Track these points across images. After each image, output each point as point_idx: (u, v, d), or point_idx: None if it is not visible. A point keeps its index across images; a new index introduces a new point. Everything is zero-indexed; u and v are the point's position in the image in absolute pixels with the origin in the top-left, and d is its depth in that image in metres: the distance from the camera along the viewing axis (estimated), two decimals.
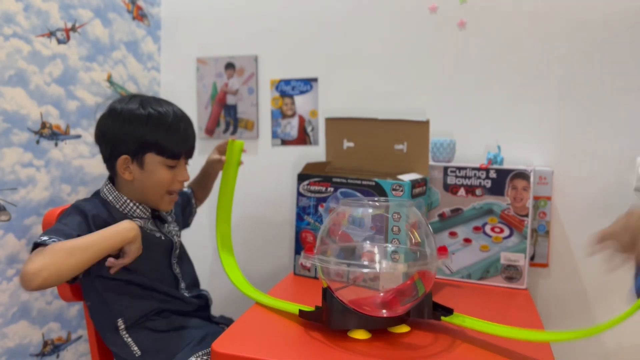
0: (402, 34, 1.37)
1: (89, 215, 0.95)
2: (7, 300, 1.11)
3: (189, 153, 1.07)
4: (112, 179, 1.06)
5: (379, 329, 0.82)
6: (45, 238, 0.86)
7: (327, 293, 0.81)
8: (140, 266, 0.98)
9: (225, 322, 1.14)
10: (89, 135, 1.31)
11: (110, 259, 0.91)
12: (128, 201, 1.02)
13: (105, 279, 0.96)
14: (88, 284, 0.99)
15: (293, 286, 1.14)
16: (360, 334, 0.80)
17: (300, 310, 0.87)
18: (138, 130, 0.98)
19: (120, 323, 0.97)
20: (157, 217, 1.09)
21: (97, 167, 1.34)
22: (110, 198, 1.02)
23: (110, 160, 1.02)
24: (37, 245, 0.86)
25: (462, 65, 1.33)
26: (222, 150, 1.21)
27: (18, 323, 1.14)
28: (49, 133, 1.19)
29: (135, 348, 0.96)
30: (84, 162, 1.30)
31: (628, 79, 1.21)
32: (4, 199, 1.09)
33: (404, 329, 0.83)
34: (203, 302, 1.13)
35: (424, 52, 1.35)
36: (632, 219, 0.78)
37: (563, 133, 1.26)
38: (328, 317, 0.81)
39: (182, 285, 1.10)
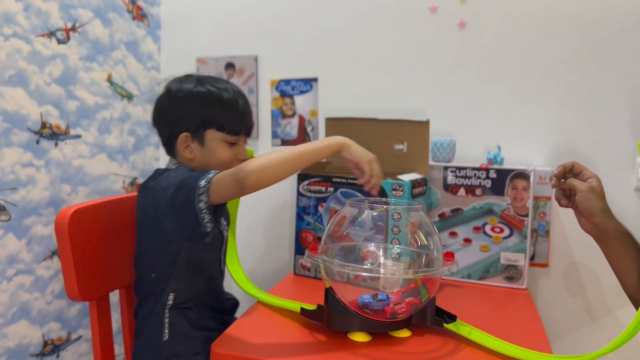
0: (402, 34, 1.37)
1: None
2: (7, 300, 1.11)
3: (248, 131, 1.05)
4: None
5: (380, 332, 0.82)
6: (207, 178, 0.85)
7: (329, 294, 0.81)
8: (206, 251, 0.99)
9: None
10: (89, 135, 1.31)
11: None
12: None
13: (191, 249, 0.95)
14: (165, 250, 0.96)
15: (293, 286, 1.14)
16: (361, 337, 0.80)
17: (301, 309, 0.87)
18: (197, 107, 0.98)
19: (171, 298, 0.95)
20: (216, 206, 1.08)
21: (97, 167, 1.34)
22: None
23: (170, 140, 1.01)
24: (194, 190, 0.84)
25: (462, 65, 1.33)
26: None
27: (18, 323, 1.14)
28: (49, 133, 1.19)
29: (167, 331, 0.95)
30: (84, 162, 1.30)
31: (628, 79, 1.21)
32: (4, 199, 1.09)
33: (405, 333, 0.83)
34: (232, 304, 1.13)
35: (424, 52, 1.35)
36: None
37: (563, 133, 1.26)
38: (329, 318, 0.81)
39: (222, 283, 1.10)
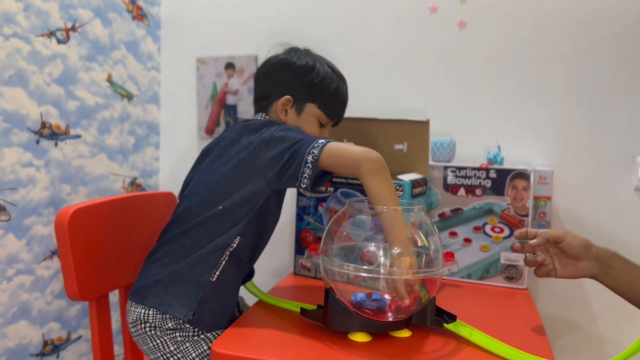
0: (402, 34, 1.37)
1: None
2: (7, 300, 1.11)
3: (338, 121, 1.09)
4: None
5: (380, 332, 0.82)
6: (327, 139, 0.86)
7: (329, 294, 0.81)
8: (273, 220, 0.99)
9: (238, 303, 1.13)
10: (89, 135, 1.31)
11: None
12: None
13: (268, 201, 0.93)
14: (255, 189, 0.92)
15: (293, 286, 1.14)
16: (361, 337, 0.80)
17: (301, 309, 0.87)
18: (312, 81, 1.02)
19: (236, 242, 0.92)
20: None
21: (97, 167, 1.34)
22: None
23: (267, 98, 1.03)
24: (310, 144, 0.86)
25: (462, 65, 1.33)
26: None
27: (18, 323, 1.14)
28: (49, 133, 1.19)
29: (217, 273, 0.91)
30: (84, 162, 1.30)
31: (628, 78, 1.21)
32: (4, 199, 1.09)
33: (405, 333, 0.83)
34: (249, 276, 1.10)
35: (424, 52, 1.35)
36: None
37: (563, 133, 1.26)
38: (329, 318, 0.81)
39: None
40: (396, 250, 0.79)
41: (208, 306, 0.90)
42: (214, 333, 0.91)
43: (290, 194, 1.49)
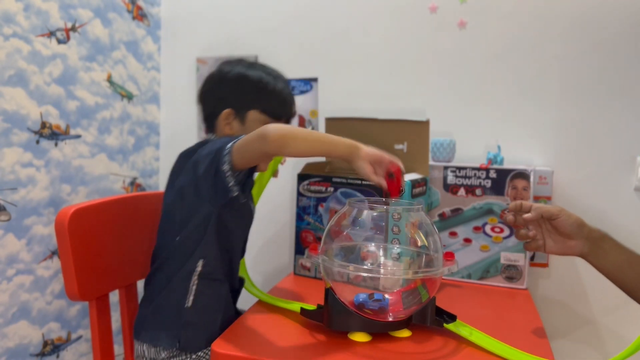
0: (402, 34, 1.37)
1: None
2: (7, 300, 1.11)
3: (288, 118, 1.09)
4: None
5: (380, 332, 0.82)
6: (234, 140, 0.86)
7: (329, 294, 0.81)
8: (236, 223, 0.99)
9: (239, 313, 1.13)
10: (89, 135, 1.31)
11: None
12: None
13: (221, 217, 0.94)
14: (195, 213, 0.96)
15: (293, 286, 1.14)
16: (361, 337, 0.80)
17: (301, 309, 0.87)
18: (246, 89, 1.03)
19: (199, 265, 0.95)
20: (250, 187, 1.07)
21: (97, 167, 1.34)
22: None
23: (212, 115, 1.05)
24: (221, 153, 0.86)
25: (462, 65, 1.33)
26: None
27: (18, 323, 1.14)
28: (49, 133, 1.19)
29: (192, 298, 0.94)
30: (84, 162, 1.30)
31: (628, 78, 1.21)
32: (4, 199, 1.09)
33: (405, 333, 0.83)
34: (240, 283, 1.11)
35: (424, 52, 1.35)
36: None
37: (563, 133, 1.26)
38: (329, 318, 0.81)
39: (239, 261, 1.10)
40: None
41: (192, 330, 0.94)
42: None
43: (290, 195, 1.49)
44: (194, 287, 0.95)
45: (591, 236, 0.85)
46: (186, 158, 1.00)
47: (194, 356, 0.93)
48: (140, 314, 1.00)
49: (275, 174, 1.18)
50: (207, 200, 0.93)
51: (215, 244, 0.96)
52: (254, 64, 1.07)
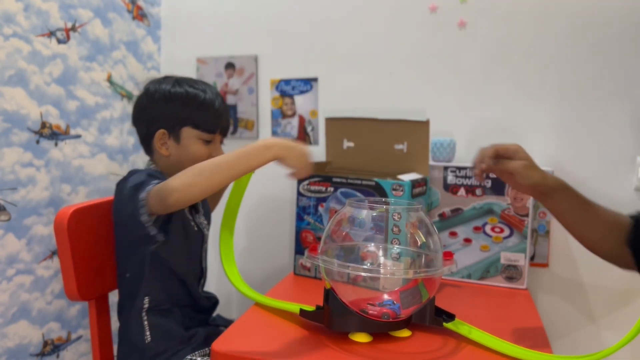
0: (402, 34, 1.37)
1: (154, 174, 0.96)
2: (7, 300, 1.11)
3: (224, 130, 1.08)
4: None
5: (380, 332, 0.82)
6: (146, 190, 0.86)
7: (329, 294, 0.81)
8: (176, 253, 1.00)
9: (223, 324, 1.14)
10: (89, 135, 1.31)
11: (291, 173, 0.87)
12: None
13: (151, 253, 0.96)
14: (132, 253, 0.98)
15: (293, 286, 1.14)
16: (361, 337, 0.80)
17: (301, 310, 0.87)
18: (174, 106, 1.02)
19: (146, 302, 0.98)
20: (192, 206, 1.09)
21: (97, 167, 1.34)
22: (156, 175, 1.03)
23: (147, 138, 1.05)
24: (136, 204, 0.87)
25: (462, 65, 1.32)
26: None
27: (18, 323, 1.14)
28: (49, 133, 1.19)
29: (148, 333, 0.97)
30: (84, 162, 1.30)
31: (628, 78, 1.21)
32: (4, 199, 1.09)
33: (405, 333, 0.83)
34: (211, 303, 1.14)
35: (424, 52, 1.35)
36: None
37: (563, 133, 1.26)
38: (329, 319, 0.81)
39: (202, 281, 1.12)
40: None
41: (164, 357, 0.97)
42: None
43: (291, 194, 1.49)
44: (146, 324, 0.98)
45: (543, 190, 0.85)
46: (115, 192, 1.01)
47: None
48: (119, 347, 1.03)
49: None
50: (135, 243, 0.95)
51: (158, 279, 0.99)
52: (180, 80, 1.05)
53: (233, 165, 0.83)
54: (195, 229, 1.09)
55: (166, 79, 1.06)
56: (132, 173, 1.00)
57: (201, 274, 1.12)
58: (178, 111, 1.01)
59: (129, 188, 0.91)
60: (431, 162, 1.22)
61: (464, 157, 1.31)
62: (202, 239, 1.11)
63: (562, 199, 0.87)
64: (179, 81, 1.05)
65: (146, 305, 0.98)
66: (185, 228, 1.04)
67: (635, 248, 0.86)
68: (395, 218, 0.85)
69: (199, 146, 1.03)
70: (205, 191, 0.83)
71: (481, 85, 1.31)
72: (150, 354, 0.97)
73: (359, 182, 1.09)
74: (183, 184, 0.82)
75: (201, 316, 1.09)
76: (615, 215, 0.89)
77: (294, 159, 0.84)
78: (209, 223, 1.17)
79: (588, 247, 0.91)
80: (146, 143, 1.06)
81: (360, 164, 1.20)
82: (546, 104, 1.27)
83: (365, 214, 0.84)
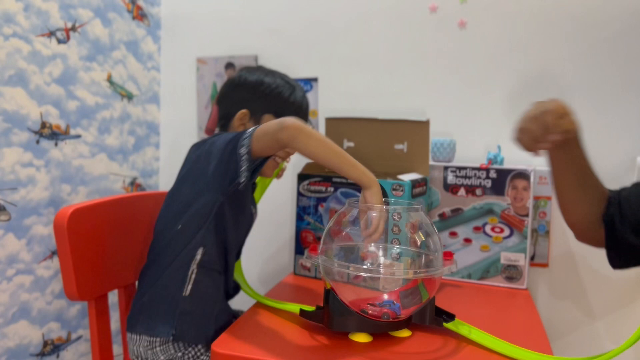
0: (402, 34, 1.37)
1: None
2: (7, 300, 1.11)
3: None
4: None
5: (380, 332, 0.82)
6: (254, 128, 0.87)
7: (329, 294, 0.81)
8: (233, 219, 0.99)
9: (235, 314, 1.14)
10: (89, 135, 1.31)
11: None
12: None
13: (219, 205, 0.95)
14: (199, 198, 0.96)
15: (293, 286, 1.14)
16: (362, 337, 0.80)
17: (301, 310, 0.87)
18: (265, 93, 1.06)
19: (199, 253, 0.95)
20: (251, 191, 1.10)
21: (97, 167, 1.34)
22: None
23: (228, 115, 1.07)
24: (240, 137, 0.87)
25: (462, 65, 1.32)
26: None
27: (18, 323, 1.14)
28: (49, 133, 1.19)
29: (190, 287, 0.94)
30: (84, 162, 1.30)
31: (628, 78, 1.21)
32: (4, 199, 1.09)
33: (405, 333, 0.83)
34: (235, 286, 1.12)
35: (424, 52, 1.35)
36: (534, 109, 0.80)
37: None
38: (329, 319, 0.81)
39: (232, 270, 1.09)
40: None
41: (188, 319, 0.94)
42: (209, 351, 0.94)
43: (291, 195, 1.49)
44: (193, 276, 0.95)
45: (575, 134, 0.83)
46: (196, 148, 1.01)
47: (188, 355, 0.93)
48: (134, 307, 0.99)
49: (279, 175, 1.18)
50: (216, 189, 0.93)
51: (214, 234, 0.96)
52: (273, 72, 1.11)
53: (341, 157, 0.84)
54: (249, 211, 1.09)
55: (260, 68, 1.12)
56: (216, 135, 1.01)
57: (237, 257, 1.10)
58: (266, 98, 1.06)
59: (231, 137, 0.91)
60: (431, 162, 1.22)
61: (464, 157, 1.31)
62: (249, 224, 1.10)
63: (577, 150, 0.85)
64: (273, 72, 1.10)
65: (198, 257, 0.95)
66: (245, 204, 1.04)
67: (608, 223, 0.86)
68: (395, 218, 0.85)
69: None
70: (308, 148, 0.83)
71: (481, 85, 1.31)
72: (180, 307, 0.93)
73: None
74: (305, 128, 0.83)
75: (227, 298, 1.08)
76: (603, 190, 0.89)
77: (376, 199, 0.83)
78: (255, 218, 1.16)
79: (569, 218, 0.91)
80: (225, 120, 1.09)
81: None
82: None
83: (365, 213, 0.84)
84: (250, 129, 0.88)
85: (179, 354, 0.93)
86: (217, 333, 0.96)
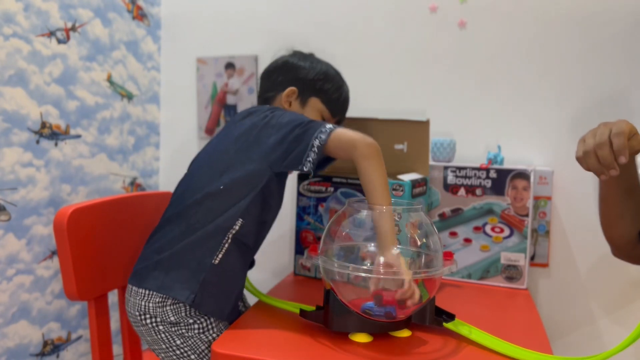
0: (402, 34, 1.37)
1: None
2: (7, 300, 1.11)
3: (339, 120, 1.12)
4: None
5: (380, 332, 0.82)
6: (334, 125, 0.88)
7: (329, 295, 0.81)
8: (273, 210, 0.98)
9: (244, 302, 1.14)
10: (89, 135, 1.31)
11: None
12: None
13: (270, 186, 0.92)
14: (256, 167, 0.91)
15: (293, 286, 1.14)
16: (362, 337, 0.80)
17: (301, 310, 0.87)
18: (319, 76, 1.07)
19: (237, 225, 0.90)
20: None
21: (97, 167, 1.34)
22: None
23: (274, 90, 1.06)
24: (317, 128, 0.87)
25: (462, 65, 1.32)
26: None
27: (18, 323, 1.14)
28: (49, 133, 1.19)
29: (220, 256, 0.89)
30: (84, 162, 1.30)
31: (627, 78, 1.21)
32: (4, 199, 1.09)
33: (405, 333, 0.83)
34: (251, 265, 1.09)
35: (424, 52, 1.35)
36: (602, 132, 0.76)
37: (563, 133, 1.26)
38: (329, 319, 0.81)
39: (254, 260, 1.08)
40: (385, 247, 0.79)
41: (210, 289, 0.88)
42: (220, 327, 0.91)
43: (290, 195, 1.49)
44: (226, 245, 0.90)
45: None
46: (253, 115, 0.97)
47: (199, 324, 0.89)
48: (146, 260, 0.93)
49: None
50: (269, 162, 0.91)
51: (258, 207, 0.93)
52: (324, 62, 1.12)
53: (385, 201, 0.83)
54: (279, 204, 1.03)
55: (312, 55, 1.13)
56: (263, 106, 1.01)
57: (263, 240, 1.05)
58: (319, 82, 1.06)
59: (306, 120, 0.90)
60: (431, 162, 1.22)
61: (464, 157, 1.31)
62: (277, 212, 1.03)
63: (630, 165, 0.83)
64: (324, 62, 1.11)
65: (236, 228, 0.90)
66: (284, 190, 1.01)
67: None
68: (396, 218, 0.85)
69: (317, 119, 1.05)
70: (374, 174, 0.84)
71: (481, 85, 1.31)
72: (205, 275, 0.88)
73: (359, 182, 1.09)
74: (378, 155, 0.85)
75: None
76: None
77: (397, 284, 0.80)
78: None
79: (610, 233, 0.89)
80: (271, 92, 1.08)
81: None
82: (546, 103, 1.27)
83: (365, 214, 0.84)
84: (329, 125, 0.88)
85: (190, 321, 0.89)
86: (230, 313, 0.94)
